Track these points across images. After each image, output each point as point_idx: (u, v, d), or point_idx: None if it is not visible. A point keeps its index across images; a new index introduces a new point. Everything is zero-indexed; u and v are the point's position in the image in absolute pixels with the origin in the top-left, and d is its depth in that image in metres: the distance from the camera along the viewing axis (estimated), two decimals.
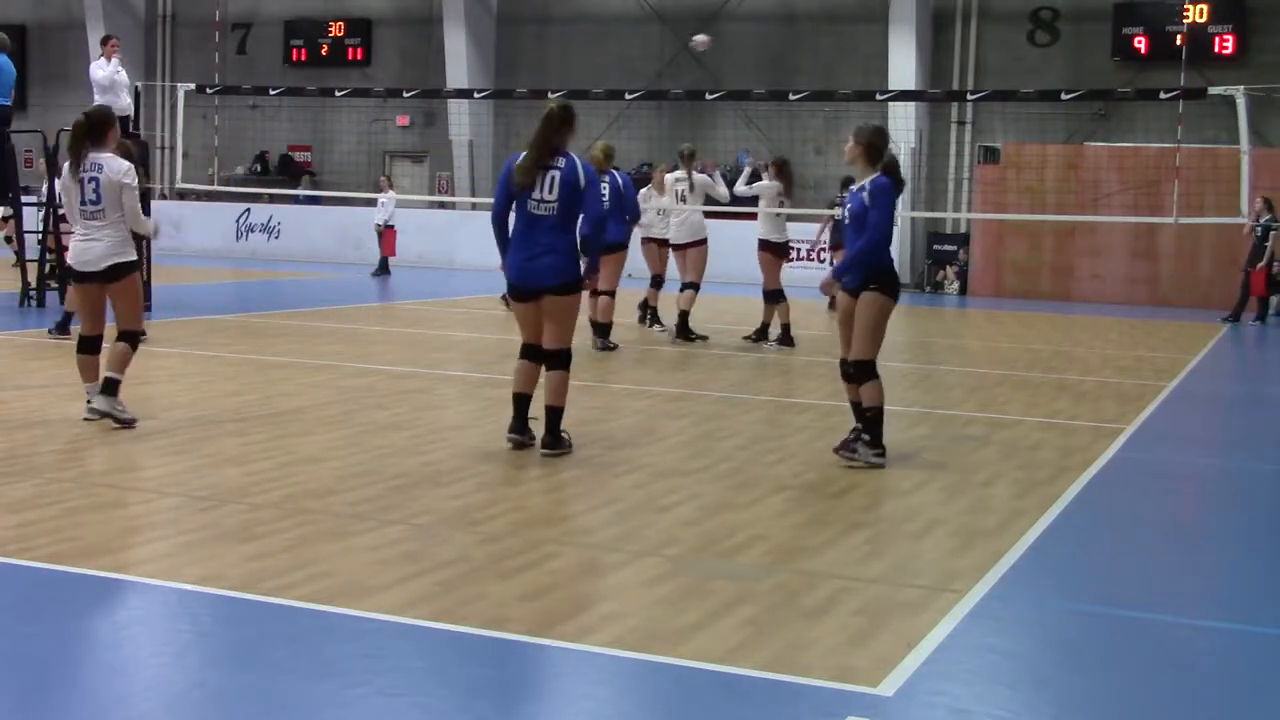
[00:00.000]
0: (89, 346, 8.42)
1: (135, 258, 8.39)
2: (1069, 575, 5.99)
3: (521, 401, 7.99)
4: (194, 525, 6.06)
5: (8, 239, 17.56)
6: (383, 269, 23.50)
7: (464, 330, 14.69)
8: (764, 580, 5.51)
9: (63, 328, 12.38)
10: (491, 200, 8.16)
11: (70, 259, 8.41)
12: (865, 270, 7.80)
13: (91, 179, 8.17)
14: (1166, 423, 10.12)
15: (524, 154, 7.80)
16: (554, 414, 7.90)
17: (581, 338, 12.99)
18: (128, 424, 8.12)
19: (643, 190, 14.97)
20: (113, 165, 8.19)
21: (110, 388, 8.17)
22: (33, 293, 15.36)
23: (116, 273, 8.21)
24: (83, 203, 8.21)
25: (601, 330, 13.14)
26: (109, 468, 7.36)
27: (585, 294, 8.19)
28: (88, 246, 8.22)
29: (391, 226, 23.72)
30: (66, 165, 8.31)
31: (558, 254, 7.78)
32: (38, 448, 7.55)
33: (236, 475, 7.04)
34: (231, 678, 4.32)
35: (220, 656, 4.56)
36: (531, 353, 7.98)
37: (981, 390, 11.50)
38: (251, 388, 9.95)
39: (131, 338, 8.31)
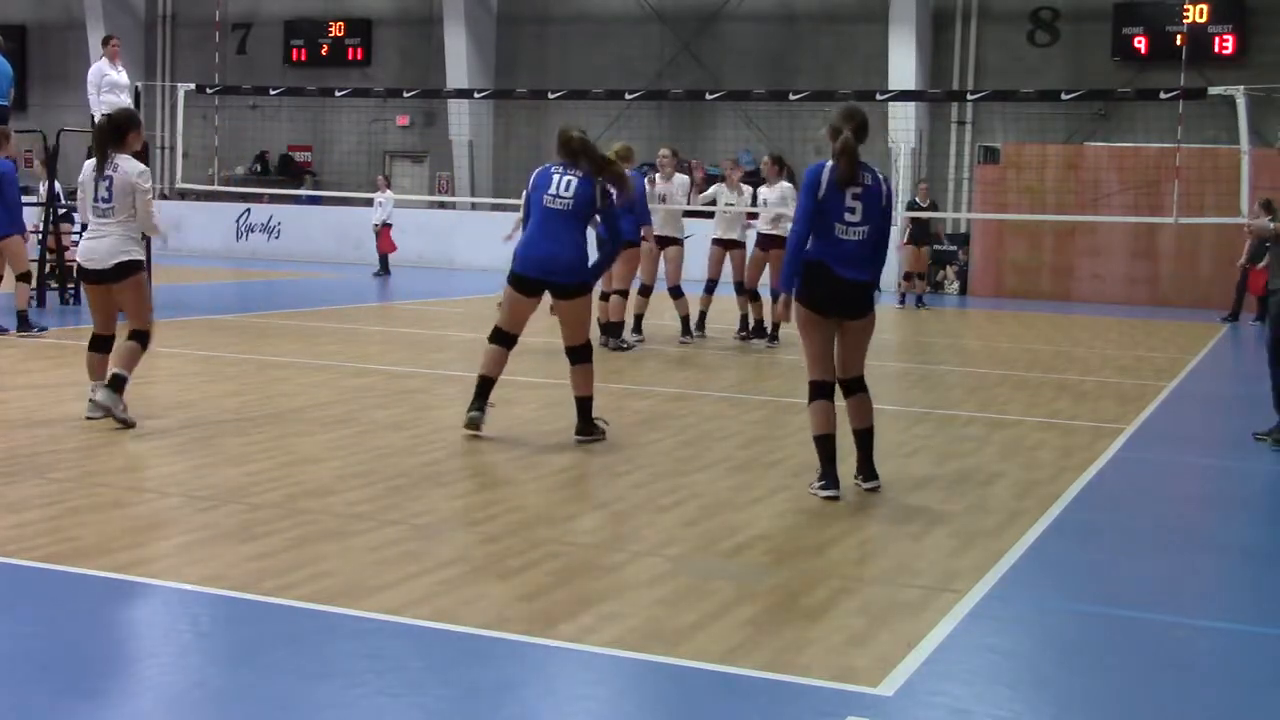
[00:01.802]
0: (99, 345, 8.50)
1: (141, 257, 8.41)
2: (1069, 575, 5.99)
3: (485, 384, 8.23)
4: (194, 525, 6.06)
5: None
6: (384, 269, 23.49)
7: (464, 330, 14.68)
8: (764, 580, 5.50)
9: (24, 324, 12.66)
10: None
11: (79, 256, 8.49)
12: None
13: (106, 177, 8.26)
14: (1166, 423, 10.12)
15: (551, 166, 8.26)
16: (584, 403, 8.25)
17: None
18: (127, 424, 8.13)
19: (714, 187, 14.98)
20: (127, 166, 8.26)
21: (116, 383, 8.19)
22: (33, 293, 15.33)
23: (122, 271, 8.25)
24: (95, 200, 8.29)
25: (612, 329, 13.13)
26: (109, 468, 7.36)
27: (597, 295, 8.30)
28: (95, 244, 8.29)
29: (388, 225, 23.67)
30: (89, 163, 8.40)
31: (570, 249, 8.05)
32: (38, 448, 7.55)
33: (236, 475, 7.04)
34: (231, 678, 4.32)
35: (220, 656, 4.56)
36: (504, 339, 8.26)
37: (981, 390, 11.50)
38: (251, 388, 9.95)
39: (142, 337, 8.34)
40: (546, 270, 8.06)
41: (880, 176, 7.05)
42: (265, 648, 4.57)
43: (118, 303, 8.42)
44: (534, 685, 4.39)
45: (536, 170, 8.39)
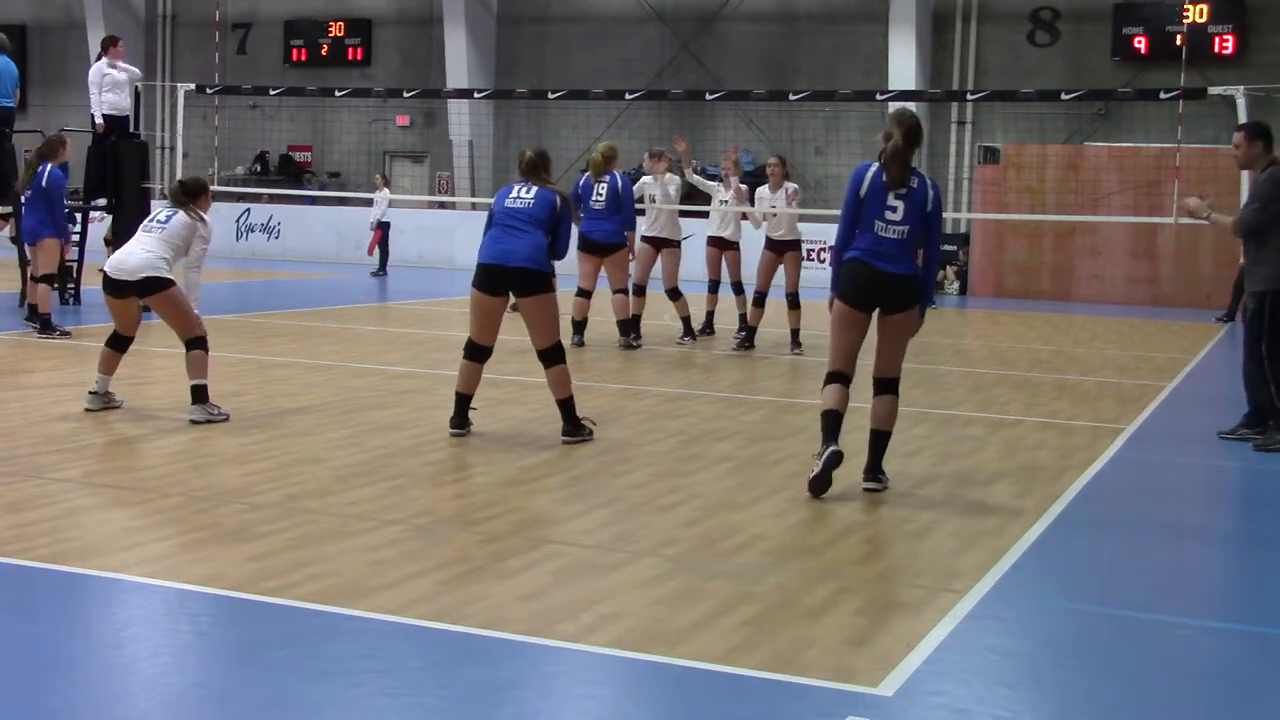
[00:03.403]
0: (116, 343, 8.69)
1: (170, 276, 8.48)
2: (1069, 575, 5.99)
3: (462, 400, 8.41)
4: (194, 525, 6.06)
5: (13, 239, 17.54)
6: (381, 268, 23.47)
7: (463, 331, 14.64)
8: (764, 580, 5.50)
9: (45, 326, 12.53)
10: (491, 201, 8.64)
11: (107, 266, 8.60)
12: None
13: (174, 210, 8.61)
14: (1166, 423, 10.12)
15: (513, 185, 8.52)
16: (565, 405, 8.31)
17: (595, 334, 13.03)
18: (224, 419, 8.44)
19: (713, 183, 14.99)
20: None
21: (199, 396, 8.44)
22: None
23: (151, 286, 8.39)
24: (152, 219, 8.62)
25: (623, 328, 13.27)
26: (109, 468, 7.36)
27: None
28: (125, 257, 8.47)
29: (382, 225, 23.57)
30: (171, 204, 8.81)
31: (529, 244, 8.17)
32: (38, 448, 7.55)
33: (236, 475, 7.05)
34: (231, 678, 4.33)
35: (220, 656, 4.56)
36: (477, 353, 8.39)
37: (981, 390, 11.49)
38: (251, 388, 9.95)
39: (199, 343, 8.48)
40: (505, 256, 8.13)
41: (928, 181, 7.13)
42: (265, 648, 4.57)
43: (161, 318, 8.65)
44: (534, 685, 4.39)
45: (500, 190, 8.68)
